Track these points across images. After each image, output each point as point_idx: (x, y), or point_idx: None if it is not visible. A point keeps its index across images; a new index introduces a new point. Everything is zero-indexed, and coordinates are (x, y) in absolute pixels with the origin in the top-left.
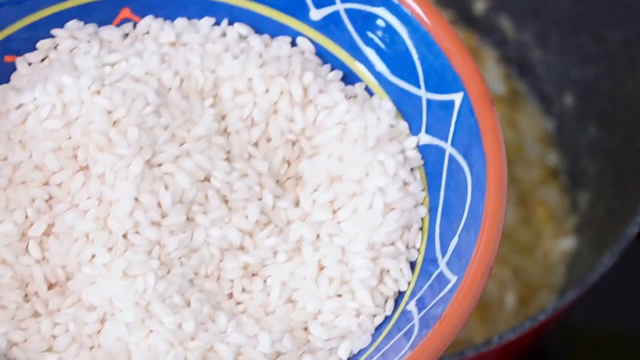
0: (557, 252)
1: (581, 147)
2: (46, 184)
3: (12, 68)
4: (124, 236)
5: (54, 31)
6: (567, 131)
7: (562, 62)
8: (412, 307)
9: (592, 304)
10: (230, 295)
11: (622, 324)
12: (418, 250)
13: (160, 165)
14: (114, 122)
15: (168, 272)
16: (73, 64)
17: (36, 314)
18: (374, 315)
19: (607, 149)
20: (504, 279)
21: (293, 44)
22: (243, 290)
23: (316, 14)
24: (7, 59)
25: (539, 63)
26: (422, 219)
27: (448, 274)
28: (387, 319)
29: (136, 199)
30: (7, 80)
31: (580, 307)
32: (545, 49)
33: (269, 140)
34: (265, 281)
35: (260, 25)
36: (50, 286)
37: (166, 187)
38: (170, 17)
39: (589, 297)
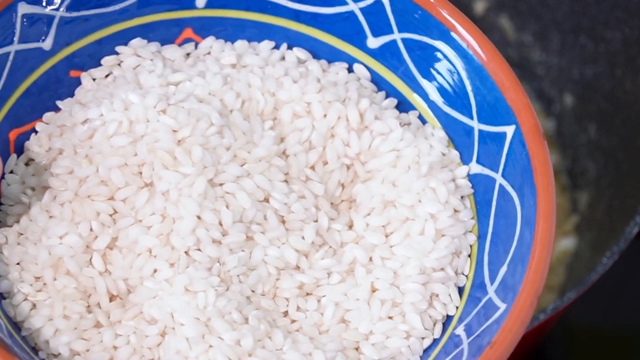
0: (557, 252)
1: (581, 147)
2: (111, 198)
3: (77, 83)
4: (186, 253)
5: (118, 48)
6: (566, 131)
7: (562, 62)
8: (460, 331)
9: (592, 304)
10: (286, 314)
11: (622, 324)
12: (466, 276)
13: (222, 184)
14: (179, 141)
15: (227, 289)
16: (137, 82)
17: (98, 325)
18: (423, 338)
19: (607, 149)
20: None
21: (349, 70)
22: (298, 309)
23: (373, 42)
24: (73, 73)
25: (539, 63)
26: (471, 246)
27: (497, 301)
28: (435, 342)
29: (198, 217)
30: (71, 95)
31: (580, 307)
32: (545, 49)
33: (325, 163)
34: (319, 301)
35: (318, 51)
36: (112, 298)
37: (227, 206)
38: (230, 38)
39: (589, 297)
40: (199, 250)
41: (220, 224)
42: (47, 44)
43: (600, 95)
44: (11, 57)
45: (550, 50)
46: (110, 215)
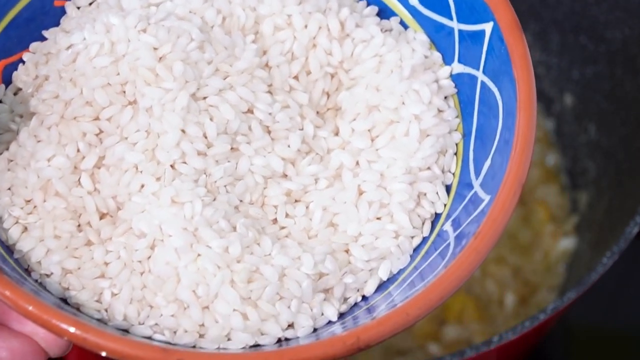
0: (557, 252)
1: (581, 147)
2: (96, 118)
3: (62, 12)
4: (172, 166)
5: None
6: (566, 131)
7: (562, 62)
8: (447, 227)
9: (592, 304)
10: (275, 221)
11: (622, 324)
12: (453, 174)
13: (205, 98)
14: (160, 58)
15: (214, 199)
16: (120, 6)
17: (89, 243)
18: (412, 237)
19: (607, 149)
20: (503, 279)
21: None
22: (286, 215)
23: None
24: (57, 3)
25: (539, 63)
26: (457, 144)
27: (482, 193)
28: (424, 240)
29: (183, 131)
30: (57, 24)
31: (580, 307)
32: (545, 49)
33: (308, 73)
34: (307, 207)
35: None
36: (102, 216)
37: (211, 119)
38: None
39: (589, 297)
40: (185, 163)
41: (205, 137)
42: None
43: (600, 95)
44: None
45: (550, 50)
46: (96, 135)
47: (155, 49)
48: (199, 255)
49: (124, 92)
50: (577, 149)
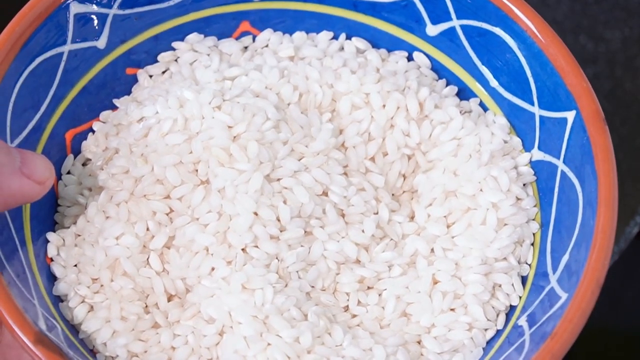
0: None
1: None
2: (167, 197)
3: (134, 80)
4: (243, 250)
5: (175, 44)
6: None
7: None
8: (522, 322)
9: None
10: (346, 308)
11: (622, 324)
12: (529, 265)
13: (279, 179)
14: (235, 137)
15: (286, 285)
16: (194, 78)
17: (156, 326)
18: (486, 329)
19: None
20: None
21: (409, 58)
22: (359, 303)
23: (432, 30)
24: (129, 71)
25: None
26: (534, 235)
27: (559, 290)
28: (498, 333)
29: (255, 213)
30: (128, 93)
31: None
32: None
33: (385, 154)
34: (380, 295)
35: (377, 40)
36: (170, 298)
37: (285, 202)
38: (289, 30)
39: None
40: (257, 247)
41: (278, 220)
42: (101, 42)
43: (600, 95)
44: (65, 57)
45: None
46: (167, 214)
47: (229, 127)
48: (269, 344)
49: (197, 171)
50: None
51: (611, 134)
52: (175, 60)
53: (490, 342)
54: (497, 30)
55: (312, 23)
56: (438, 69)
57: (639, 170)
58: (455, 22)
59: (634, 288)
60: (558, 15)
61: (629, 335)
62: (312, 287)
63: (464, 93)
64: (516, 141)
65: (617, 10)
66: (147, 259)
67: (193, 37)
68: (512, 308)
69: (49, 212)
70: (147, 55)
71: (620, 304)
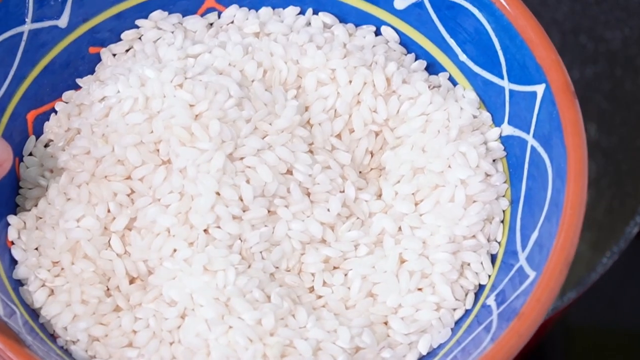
0: None
1: None
2: (128, 178)
3: (98, 59)
4: (205, 231)
5: (138, 21)
6: None
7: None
8: (491, 301)
9: (592, 304)
10: (311, 289)
11: (622, 324)
12: (499, 243)
13: (242, 158)
14: (196, 116)
15: (249, 266)
16: (157, 55)
17: (117, 309)
18: (454, 309)
19: (607, 149)
20: None
21: (377, 33)
22: (324, 283)
23: (401, 3)
24: (92, 50)
25: None
26: (504, 212)
27: (527, 269)
28: (467, 312)
29: (217, 193)
30: (92, 72)
31: (580, 307)
32: None
33: (352, 131)
34: (346, 275)
35: (345, 14)
36: (132, 281)
37: (248, 181)
38: (255, 6)
39: (589, 297)
40: (219, 227)
41: (241, 200)
42: (62, 21)
43: (600, 95)
44: (25, 36)
45: None
46: (128, 195)
47: (191, 106)
48: (230, 327)
49: (158, 151)
50: None
51: (611, 134)
52: (139, 39)
53: (458, 322)
54: (465, 3)
55: None
56: (407, 43)
57: (639, 170)
58: None
59: (634, 288)
60: (558, 15)
61: (629, 335)
62: (277, 267)
63: (433, 67)
64: (486, 116)
65: (617, 10)
66: (109, 241)
67: (157, 14)
68: (482, 287)
69: (10, 195)
70: (111, 33)
71: (620, 304)
